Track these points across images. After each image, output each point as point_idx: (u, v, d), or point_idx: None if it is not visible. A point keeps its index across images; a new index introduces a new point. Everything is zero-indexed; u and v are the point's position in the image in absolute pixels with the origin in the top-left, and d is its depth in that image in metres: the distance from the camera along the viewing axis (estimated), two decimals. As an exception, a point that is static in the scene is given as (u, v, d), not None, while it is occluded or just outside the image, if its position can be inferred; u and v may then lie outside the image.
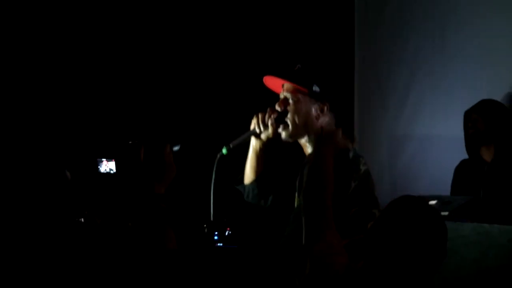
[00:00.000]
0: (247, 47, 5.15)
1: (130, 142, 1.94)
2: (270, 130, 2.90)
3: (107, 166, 2.00)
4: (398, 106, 5.00)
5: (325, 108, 2.90)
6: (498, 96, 4.32)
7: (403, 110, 4.96)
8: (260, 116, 2.91)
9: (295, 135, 2.91)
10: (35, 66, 4.45)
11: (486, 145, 4.16)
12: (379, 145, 4.90)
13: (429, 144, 4.73)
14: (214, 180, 2.81)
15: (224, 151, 2.84)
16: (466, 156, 4.29)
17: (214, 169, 2.80)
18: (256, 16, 5.24)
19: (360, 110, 5.19)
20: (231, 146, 2.86)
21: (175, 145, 2.04)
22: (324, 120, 2.89)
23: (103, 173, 2.00)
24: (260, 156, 3.00)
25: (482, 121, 4.11)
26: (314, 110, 2.89)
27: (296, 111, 2.89)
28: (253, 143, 2.99)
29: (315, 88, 2.90)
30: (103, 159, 2.00)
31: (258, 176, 3.01)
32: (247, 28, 5.19)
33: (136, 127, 4.55)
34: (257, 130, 2.92)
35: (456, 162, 4.36)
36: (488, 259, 3.54)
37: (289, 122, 2.89)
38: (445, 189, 4.24)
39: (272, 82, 3.01)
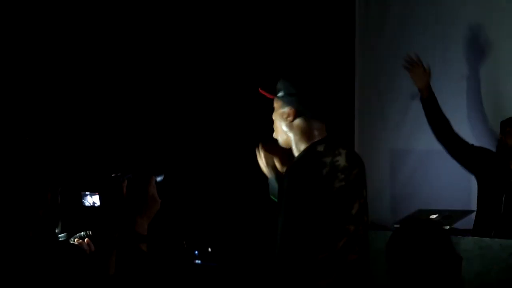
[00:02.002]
0: (240, 65, 5.17)
1: (113, 175, 1.93)
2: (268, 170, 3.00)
3: (92, 199, 2.00)
4: (399, 119, 4.99)
5: (291, 113, 2.88)
6: (499, 111, 4.30)
7: (403, 123, 4.95)
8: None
9: (281, 140, 2.94)
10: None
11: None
12: (379, 159, 4.88)
13: (430, 157, 4.71)
14: None
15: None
16: (465, 170, 4.30)
17: None
18: (253, 29, 5.25)
19: (361, 123, 5.18)
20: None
21: (158, 175, 2.03)
22: (293, 125, 2.89)
23: (87, 207, 2.00)
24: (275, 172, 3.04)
25: None
26: (282, 117, 2.90)
27: (275, 119, 2.94)
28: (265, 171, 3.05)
29: (281, 94, 2.91)
30: (87, 193, 2.00)
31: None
32: (239, 44, 5.19)
33: (119, 160, 4.54)
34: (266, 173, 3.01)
35: (457, 176, 4.36)
36: (491, 274, 3.54)
37: (274, 129, 2.95)
38: (446, 203, 4.22)
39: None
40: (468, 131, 4.61)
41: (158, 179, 2.00)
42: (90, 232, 2.26)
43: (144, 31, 4.98)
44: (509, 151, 4.10)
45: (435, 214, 4.06)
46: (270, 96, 2.93)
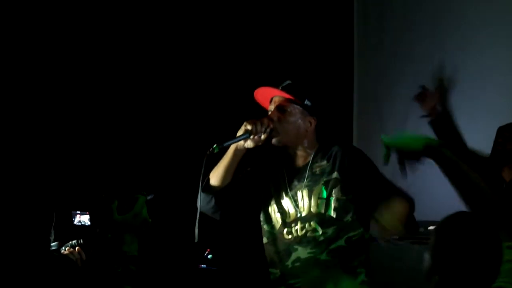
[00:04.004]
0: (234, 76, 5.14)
1: (103, 195, 1.92)
2: (262, 137, 2.92)
3: (82, 218, 1.99)
4: (398, 126, 4.96)
5: (313, 122, 3.01)
6: (498, 118, 4.27)
7: (402, 130, 4.93)
8: (257, 123, 2.91)
9: (284, 143, 2.98)
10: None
11: (509, 165, 4.12)
12: (378, 165, 4.85)
13: (429, 169, 4.66)
14: (203, 175, 2.80)
15: (216, 149, 2.81)
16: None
17: (204, 164, 2.77)
18: (251, 35, 5.24)
19: (359, 129, 5.17)
20: (224, 145, 2.86)
21: (149, 194, 2.02)
22: (311, 130, 3.01)
23: (77, 225, 1.99)
24: (238, 162, 2.99)
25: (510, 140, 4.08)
26: (303, 123, 2.99)
27: (289, 121, 2.96)
28: (238, 147, 2.96)
29: (307, 102, 3.00)
30: (77, 212, 1.99)
31: (223, 188, 2.99)
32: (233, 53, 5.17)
33: (110, 180, 4.52)
34: (252, 136, 2.90)
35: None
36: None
37: (280, 131, 2.95)
38: (445, 211, 4.18)
39: (263, 94, 3.05)
40: (466, 139, 4.59)
41: (149, 197, 2.00)
42: (81, 241, 2.27)
43: (119, 60, 4.96)
44: (505, 157, 4.09)
45: (434, 225, 4.02)
46: (297, 101, 2.97)
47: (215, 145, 2.80)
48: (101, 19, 4.87)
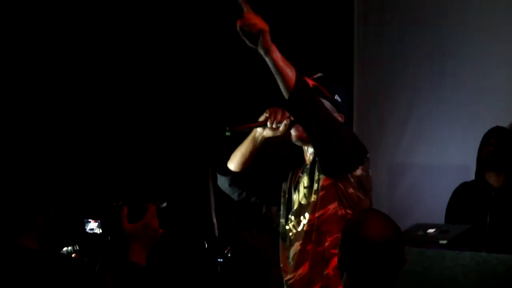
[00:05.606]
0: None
1: (114, 204, 1.94)
2: (281, 128, 2.81)
3: (94, 226, 2.02)
4: (397, 134, 4.97)
5: (341, 120, 2.85)
6: (497, 123, 4.31)
7: (402, 138, 4.94)
8: (277, 111, 2.81)
9: (305, 139, 2.83)
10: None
11: (497, 170, 4.14)
12: (377, 173, 4.87)
13: (428, 172, 4.70)
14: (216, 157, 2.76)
15: (227, 132, 2.74)
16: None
17: (215, 146, 2.74)
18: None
19: (358, 135, 5.17)
20: (236, 129, 2.78)
21: (162, 202, 2.03)
22: None
23: (89, 233, 2.02)
24: (256, 151, 2.93)
25: (501, 146, 4.11)
26: None
27: None
28: (256, 135, 2.90)
29: (337, 98, 2.88)
30: (90, 220, 2.01)
31: (241, 172, 2.96)
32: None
33: (121, 187, 4.52)
34: (269, 124, 2.81)
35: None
36: (487, 288, 3.56)
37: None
38: (443, 217, 4.23)
39: None
40: (467, 143, 4.62)
41: (162, 205, 2.01)
42: (77, 247, 2.26)
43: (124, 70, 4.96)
44: (494, 162, 4.11)
45: (433, 228, 4.07)
46: (327, 94, 2.85)
47: (227, 130, 2.73)
48: (109, 18, 4.86)
